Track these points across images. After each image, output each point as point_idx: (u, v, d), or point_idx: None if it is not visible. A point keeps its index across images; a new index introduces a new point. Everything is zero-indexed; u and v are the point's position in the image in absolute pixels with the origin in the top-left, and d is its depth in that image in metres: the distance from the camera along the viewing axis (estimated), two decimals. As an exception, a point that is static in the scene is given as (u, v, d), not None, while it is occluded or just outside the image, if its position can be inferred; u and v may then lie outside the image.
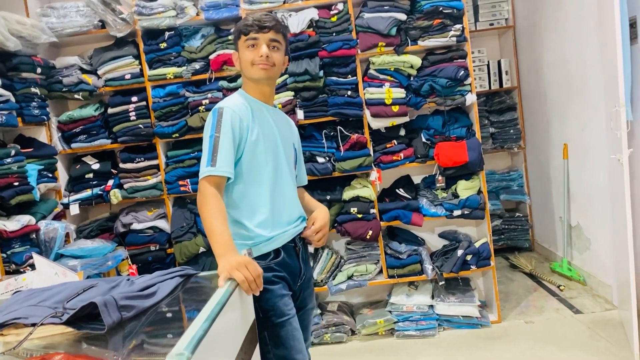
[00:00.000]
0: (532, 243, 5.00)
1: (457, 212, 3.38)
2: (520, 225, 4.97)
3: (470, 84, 3.35)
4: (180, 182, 3.44)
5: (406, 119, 3.39)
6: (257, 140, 1.75)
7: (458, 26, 3.27)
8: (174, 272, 1.52)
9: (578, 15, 3.63)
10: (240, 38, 1.78)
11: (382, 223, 3.41)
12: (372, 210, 3.37)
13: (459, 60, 3.32)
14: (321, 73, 3.30)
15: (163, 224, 3.48)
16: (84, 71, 3.44)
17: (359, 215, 3.35)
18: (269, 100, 1.88)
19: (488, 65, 4.84)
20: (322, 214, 1.95)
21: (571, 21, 3.76)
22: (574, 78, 3.82)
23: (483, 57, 4.86)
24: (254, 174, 1.75)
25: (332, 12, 3.32)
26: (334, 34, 3.31)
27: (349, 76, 3.35)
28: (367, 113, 3.35)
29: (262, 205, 1.76)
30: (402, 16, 3.28)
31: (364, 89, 3.36)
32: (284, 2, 3.33)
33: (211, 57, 3.40)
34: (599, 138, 3.48)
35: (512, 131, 4.88)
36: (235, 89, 3.41)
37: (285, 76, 3.34)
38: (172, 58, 3.42)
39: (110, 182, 3.49)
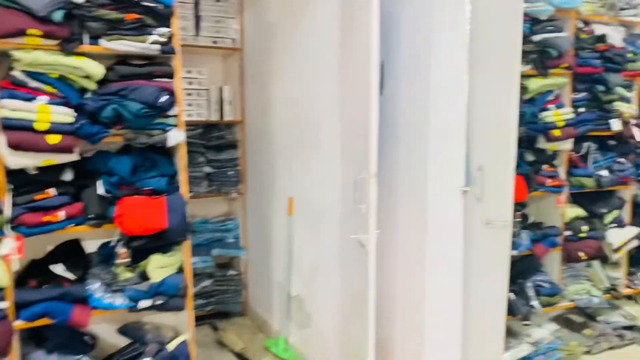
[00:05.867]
0: (245, 307, 4.24)
1: (145, 303, 2.31)
2: (234, 285, 4.16)
3: (177, 116, 2.33)
4: None
5: (74, 157, 2.18)
6: None
7: (164, 30, 2.23)
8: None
9: (319, 50, 2.97)
10: None
11: (17, 324, 2.08)
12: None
13: (163, 80, 2.28)
14: None
15: None
16: None
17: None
18: None
19: (209, 91, 3.94)
20: None
21: (310, 58, 3.08)
22: (307, 124, 3.17)
23: (204, 79, 3.94)
24: None
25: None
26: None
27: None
28: None
29: None
30: (78, -5, 2.07)
31: (-2, 101, 2.01)
32: None
33: None
34: (333, 200, 2.85)
35: (231, 173, 4.08)
36: None
37: None
38: None
39: None
